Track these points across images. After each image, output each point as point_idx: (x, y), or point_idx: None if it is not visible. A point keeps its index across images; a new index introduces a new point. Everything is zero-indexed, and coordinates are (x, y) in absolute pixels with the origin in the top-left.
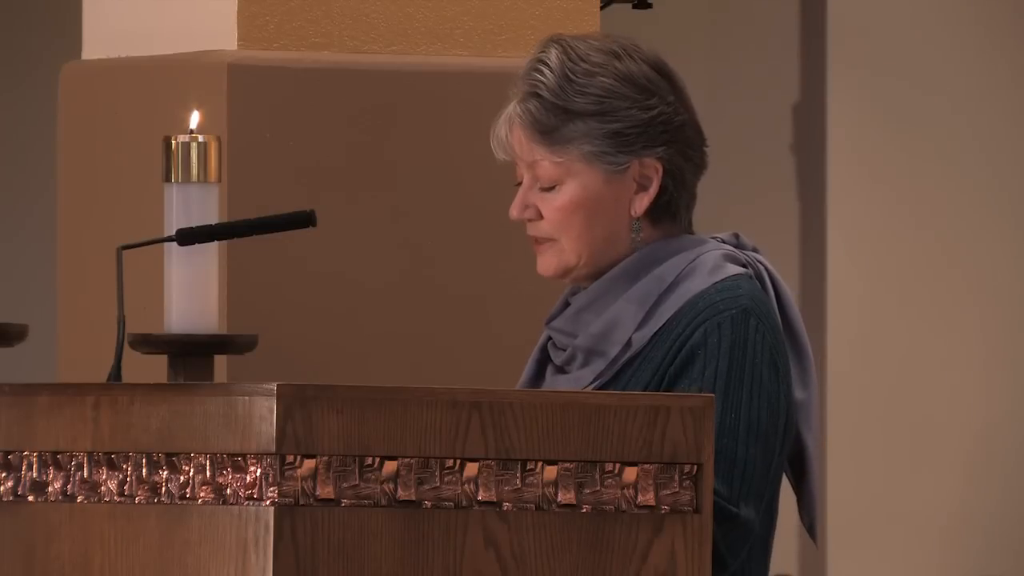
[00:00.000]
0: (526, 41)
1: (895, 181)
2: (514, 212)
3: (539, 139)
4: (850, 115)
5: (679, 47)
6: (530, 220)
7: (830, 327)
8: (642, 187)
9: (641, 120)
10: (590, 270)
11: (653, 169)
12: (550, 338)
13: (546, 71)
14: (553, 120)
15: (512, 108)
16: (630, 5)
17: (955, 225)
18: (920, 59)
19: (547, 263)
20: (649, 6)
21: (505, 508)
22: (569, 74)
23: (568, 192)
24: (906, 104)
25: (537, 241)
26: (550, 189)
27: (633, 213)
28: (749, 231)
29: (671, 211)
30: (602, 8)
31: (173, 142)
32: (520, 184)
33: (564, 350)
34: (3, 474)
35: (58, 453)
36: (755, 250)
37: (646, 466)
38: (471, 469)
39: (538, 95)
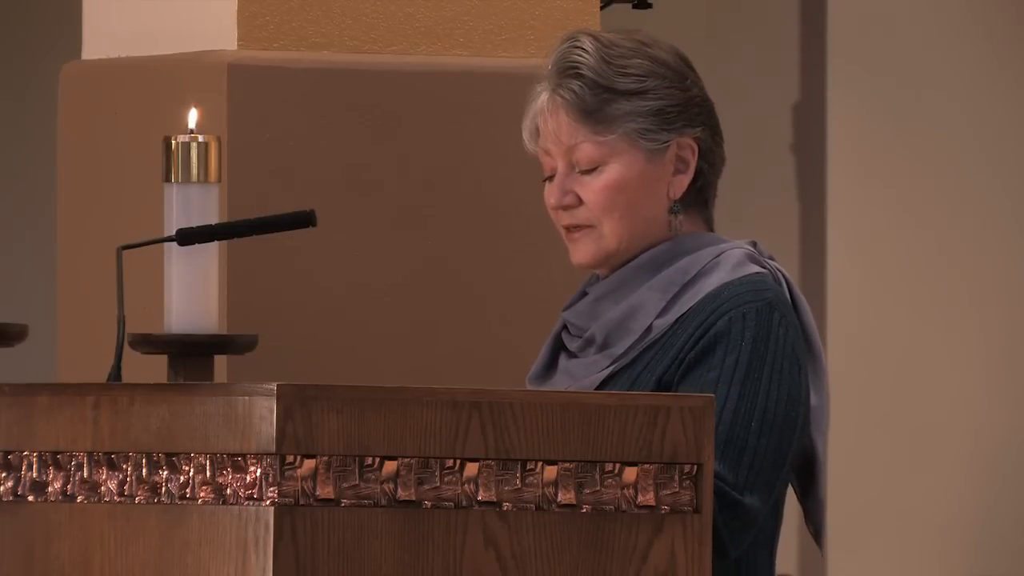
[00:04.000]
0: (526, 41)
1: (895, 181)
2: (552, 199)
3: (583, 119)
4: (850, 115)
5: (679, 47)
6: (568, 207)
7: (830, 327)
8: (679, 170)
9: (680, 99)
10: (628, 256)
11: (690, 150)
12: (565, 326)
13: (583, 54)
14: (597, 101)
15: (550, 94)
16: (630, 5)
17: (955, 225)
18: (920, 59)
19: (585, 251)
20: (649, 6)
21: (505, 508)
22: (606, 57)
23: (611, 173)
24: (906, 104)
25: (572, 230)
26: (590, 172)
27: (671, 195)
28: (748, 231)
29: (703, 197)
30: (602, 8)
31: (173, 142)
32: (549, 177)
33: (580, 337)
34: (3, 474)
35: (58, 453)
36: (772, 258)
37: (646, 466)
38: (471, 469)
39: (580, 75)
